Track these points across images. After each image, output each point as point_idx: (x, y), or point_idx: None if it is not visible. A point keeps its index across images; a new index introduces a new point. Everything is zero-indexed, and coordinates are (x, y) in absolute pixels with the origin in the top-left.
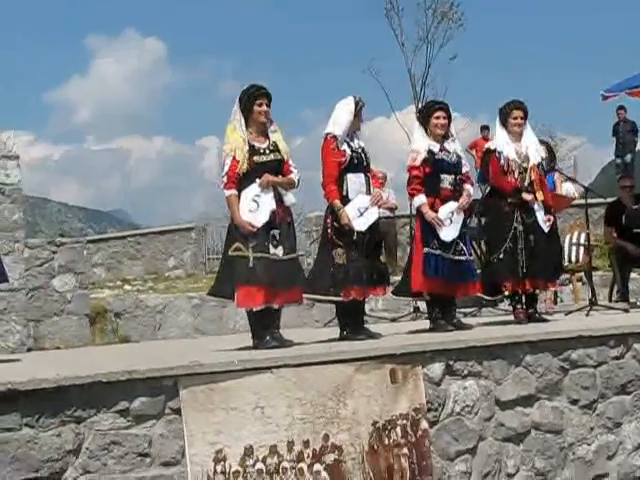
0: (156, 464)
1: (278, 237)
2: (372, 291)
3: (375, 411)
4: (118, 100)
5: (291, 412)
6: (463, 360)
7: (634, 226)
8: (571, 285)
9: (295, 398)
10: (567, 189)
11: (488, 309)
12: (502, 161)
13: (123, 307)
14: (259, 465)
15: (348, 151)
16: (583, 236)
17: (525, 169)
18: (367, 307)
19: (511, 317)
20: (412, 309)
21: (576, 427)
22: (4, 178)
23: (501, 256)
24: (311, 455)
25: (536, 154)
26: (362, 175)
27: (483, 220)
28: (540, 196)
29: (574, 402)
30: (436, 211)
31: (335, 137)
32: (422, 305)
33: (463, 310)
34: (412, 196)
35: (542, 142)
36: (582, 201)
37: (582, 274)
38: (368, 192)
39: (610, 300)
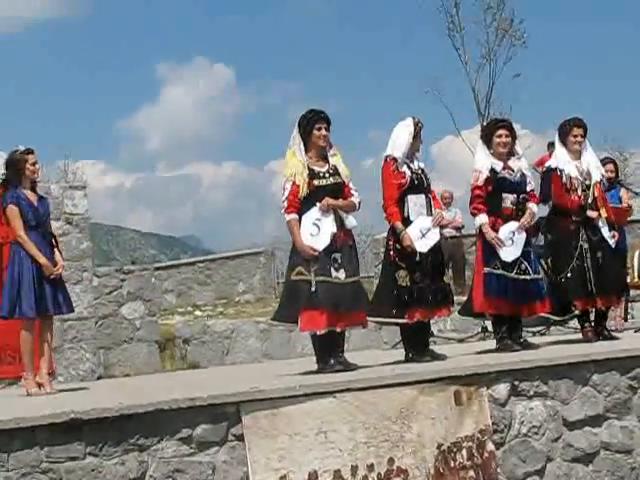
0: None
1: (340, 260)
2: (437, 312)
3: (440, 433)
4: (188, 127)
5: (354, 436)
6: (528, 380)
7: None
8: None
9: (358, 422)
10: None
11: (557, 327)
12: (564, 179)
13: (191, 333)
14: None
15: (408, 173)
16: None
17: (587, 186)
18: (435, 328)
19: (580, 335)
20: (480, 329)
21: None
22: (72, 208)
23: (569, 275)
24: (376, 479)
25: (597, 171)
26: (423, 196)
27: (546, 238)
28: (604, 213)
29: None
30: (497, 230)
31: (395, 159)
32: (490, 325)
33: (531, 329)
34: (474, 215)
35: (608, 159)
36: None
37: None
38: (429, 213)
39: None
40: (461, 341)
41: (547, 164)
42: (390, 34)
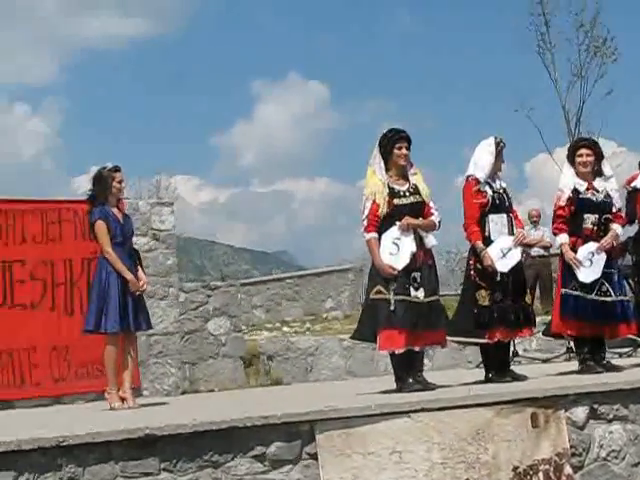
0: None
1: (419, 279)
2: (518, 333)
3: (516, 456)
4: (282, 143)
5: (430, 457)
6: (608, 404)
7: None
8: None
9: (434, 443)
10: None
11: None
12: None
13: (275, 350)
14: None
15: (489, 192)
16: None
17: None
18: (521, 347)
19: None
20: (565, 349)
21: None
22: (159, 224)
23: None
24: None
25: None
26: (504, 215)
27: (633, 259)
28: None
29: None
30: (576, 251)
31: (477, 179)
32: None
33: (618, 350)
34: (555, 235)
35: None
36: None
37: None
38: (511, 232)
39: None
40: (546, 361)
41: (633, 184)
42: (480, 52)
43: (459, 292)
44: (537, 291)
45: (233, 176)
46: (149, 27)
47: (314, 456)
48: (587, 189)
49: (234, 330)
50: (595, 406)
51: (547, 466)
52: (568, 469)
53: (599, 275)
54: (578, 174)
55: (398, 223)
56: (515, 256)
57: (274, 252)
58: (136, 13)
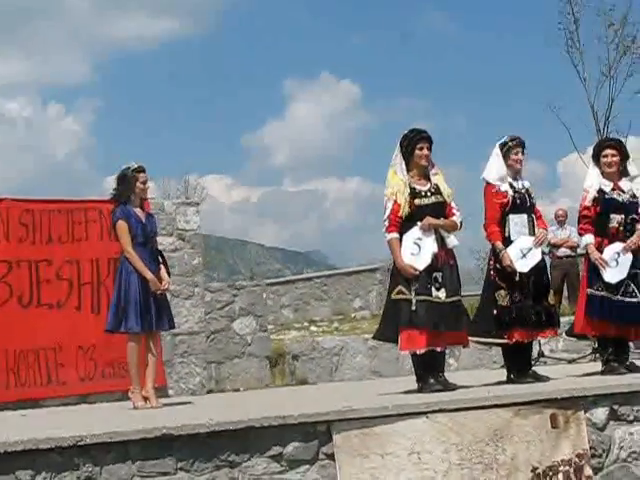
0: None
1: (440, 280)
2: (540, 333)
3: (535, 457)
4: (313, 142)
5: (448, 458)
6: (629, 405)
7: None
8: None
9: (451, 443)
10: None
11: None
12: None
13: (300, 349)
14: None
15: (510, 192)
16: None
17: None
18: (547, 348)
19: None
20: (592, 350)
21: None
22: (184, 224)
23: None
24: None
25: None
26: (525, 216)
27: None
28: None
29: None
30: (602, 251)
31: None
32: None
33: None
34: (581, 235)
35: None
36: None
37: None
38: (531, 233)
39: None
40: (571, 362)
41: None
42: (510, 51)
43: None
44: (565, 291)
45: (265, 175)
46: (181, 27)
47: (331, 456)
48: (613, 189)
49: (260, 330)
50: (615, 407)
51: (567, 467)
52: (588, 470)
53: (625, 275)
54: (603, 174)
55: (419, 223)
56: (535, 256)
57: (306, 251)
58: (168, 13)
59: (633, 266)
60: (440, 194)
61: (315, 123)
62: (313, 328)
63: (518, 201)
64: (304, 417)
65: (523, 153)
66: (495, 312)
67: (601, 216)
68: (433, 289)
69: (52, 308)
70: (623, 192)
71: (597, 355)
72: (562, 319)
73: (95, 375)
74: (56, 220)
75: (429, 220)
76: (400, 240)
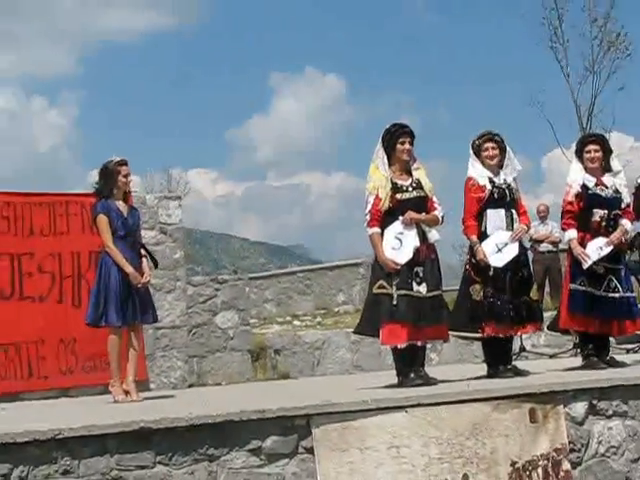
0: None
1: (422, 274)
2: (518, 329)
3: (514, 451)
4: (298, 137)
5: (427, 452)
6: (608, 399)
7: None
8: None
9: (431, 437)
10: None
11: None
12: None
13: (282, 344)
14: None
15: (488, 186)
16: None
17: None
18: (529, 343)
19: None
20: (572, 345)
21: None
22: (166, 218)
23: None
24: None
25: None
26: (502, 211)
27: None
28: None
29: None
30: (585, 246)
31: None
32: None
33: (625, 346)
34: (564, 230)
35: None
36: None
37: None
38: (511, 228)
39: None
40: (552, 357)
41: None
42: (494, 46)
43: None
44: (547, 286)
45: (249, 170)
46: (165, 19)
47: (310, 450)
48: (596, 184)
49: (242, 324)
50: (594, 402)
51: (545, 462)
52: (566, 465)
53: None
54: (586, 169)
55: (401, 218)
56: (511, 251)
57: (290, 246)
58: (152, 5)
59: (615, 261)
60: (421, 189)
61: (300, 117)
62: (296, 322)
63: (496, 195)
64: (283, 411)
65: (498, 147)
66: (468, 306)
67: (584, 211)
68: (414, 284)
69: (34, 301)
70: (606, 187)
71: (578, 350)
72: (544, 314)
73: (76, 368)
74: (38, 213)
75: (411, 214)
76: (382, 235)
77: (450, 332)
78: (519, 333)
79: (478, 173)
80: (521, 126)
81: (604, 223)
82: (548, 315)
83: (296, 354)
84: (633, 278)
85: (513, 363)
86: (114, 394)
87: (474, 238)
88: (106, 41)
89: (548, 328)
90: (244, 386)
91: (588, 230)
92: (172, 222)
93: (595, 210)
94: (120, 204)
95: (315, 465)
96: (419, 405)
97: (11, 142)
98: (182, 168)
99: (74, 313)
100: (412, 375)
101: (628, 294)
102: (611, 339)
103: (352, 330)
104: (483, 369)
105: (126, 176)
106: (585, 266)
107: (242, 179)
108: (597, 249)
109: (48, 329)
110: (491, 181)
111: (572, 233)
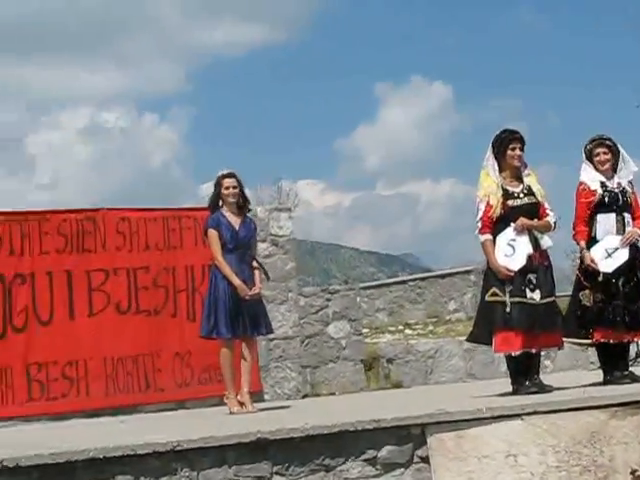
0: None
1: (535, 281)
2: (636, 335)
3: (633, 459)
4: (406, 146)
5: (545, 460)
6: None
7: None
8: None
9: (548, 445)
10: None
11: None
12: None
13: (394, 353)
14: None
15: (600, 191)
16: None
17: None
18: None
19: None
20: None
21: None
22: (277, 230)
23: None
24: None
25: None
26: (613, 215)
27: None
28: None
29: None
30: None
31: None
32: None
33: None
34: None
35: None
36: None
37: None
38: (622, 232)
39: None
40: None
41: None
42: (602, 45)
43: None
44: None
45: (357, 179)
46: (271, 33)
47: (426, 460)
48: None
49: (354, 333)
50: None
51: None
52: None
53: None
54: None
55: (513, 224)
56: (621, 256)
57: (400, 255)
58: (257, 19)
59: None
60: (533, 195)
61: (407, 126)
62: (408, 331)
63: (607, 200)
64: (398, 420)
65: (610, 151)
66: (579, 312)
67: None
68: (527, 290)
69: (149, 315)
70: None
71: None
72: None
73: (192, 381)
74: (152, 228)
75: (523, 221)
76: (494, 242)
77: (564, 339)
78: (635, 339)
79: (590, 177)
80: (637, 128)
81: None
82: None
83: (408, 363)
84: None
85: (630, 369)
86: (229, 406)
87: (582, 244)
88: (213, 56)
89: None
90: (358, 396)
91: None
92: (283, 234)
93: None
94: (231, 216)
95: (431, 474)
96: (535, 413)
97: (124, 159)
98: (291, 180)
99: (189, 326)
100: (527, 383)
101: None
102: None
103: (465, 338)
104: (599, 376)
105: (228, 188)
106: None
107: (350, 189)
108: None
109: (163, 342)
110: (603, 185)
111: None
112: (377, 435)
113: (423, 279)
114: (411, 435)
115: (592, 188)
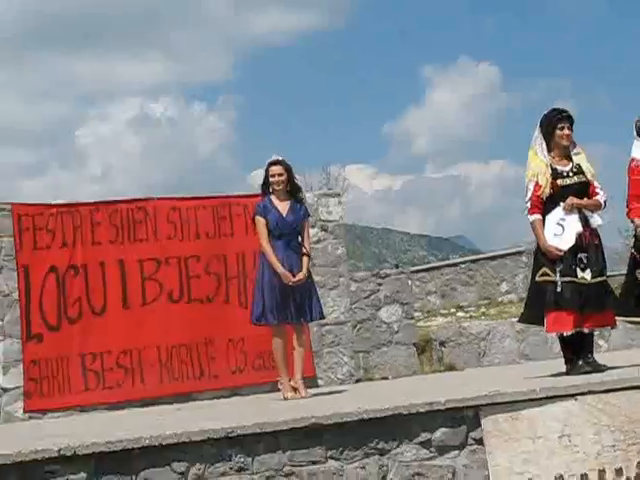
0: None
1: (585, 261)
2: None
3: None
4: (454, 127)
5: (600, 440)
6: None
7: None
8: None
9: (603, 425)
10: None
11: None
12: None
13: (447, 335)
14: None
15: None
16: None
17: None
18: None
19: None
20: None
21: None
22: (327, 215)
23: None
24: None
25: None
26: None
27: None
28: None
29: None
30: None
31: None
32: None
33: None
34: None
35: None
36: None
37: None
38: None
39: None
40: None
41: None
42: None
43: None
44: None
45: (407, 163)
46: (318, 19)
47: (480, 441)
48: None
49: (406, 317)
50: None
51: None
52: None
53: None
54: None
55: (562, 204)
56: None
57: (450, 237)
58: (304, 6)
59: None
60: (582, 174)
61: (455, 108)
62: (460, 314)
63: None
64: (452, 403)
65: None
66: (636, 290)
67: None
68: (578, 270)
69: (202, 302)
70: None
71: None
72: None
73: (246, 367)
74: (202, 216)
75: (572, 200)
76: (543, 221)
77: (617, 317)
78: None
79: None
80: None
81: None
82: None
83: (461, 345)
84: None
85: None
86: (283, 392)
87: (637, 221)
88: (259, 43)
89: None
90: (411, 379)
91: None
92: (333, 219)
93: None
94: (279, 203)
95: (486, 456)
96: (589, 393)
97: (172, 148)
98: (340, 165)
99: (241, 313)
100: (580, 362)
101: None
102: None
103: (517, 319)
104: None
105: (273, 176)
106: None
107: (399, 172)
108: None
109: (216, 329)
110: None
111: None
112: (431, 418)
113: (474, 261)
114: (465, 417)
115: None
